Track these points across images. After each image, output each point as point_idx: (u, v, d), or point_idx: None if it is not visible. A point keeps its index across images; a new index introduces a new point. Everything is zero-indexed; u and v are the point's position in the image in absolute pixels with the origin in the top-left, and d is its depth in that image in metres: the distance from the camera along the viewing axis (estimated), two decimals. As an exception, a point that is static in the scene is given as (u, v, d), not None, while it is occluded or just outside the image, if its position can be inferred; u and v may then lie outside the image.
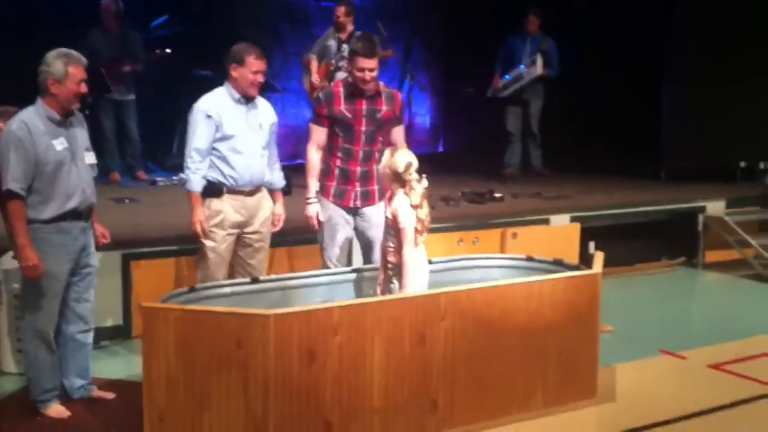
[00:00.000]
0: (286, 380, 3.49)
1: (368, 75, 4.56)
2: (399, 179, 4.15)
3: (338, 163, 4.72)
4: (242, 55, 4.48)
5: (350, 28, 7.46)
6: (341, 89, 4.69)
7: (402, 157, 4.14)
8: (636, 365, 4.97)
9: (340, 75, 7.32)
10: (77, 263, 4.11)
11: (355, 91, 4.64)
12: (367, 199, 4.74)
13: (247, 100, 4.56)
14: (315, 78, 7.53)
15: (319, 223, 4.77)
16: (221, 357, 3.51)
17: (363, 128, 4.66)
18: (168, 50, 7.96)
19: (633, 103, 8.82)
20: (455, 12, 10.44)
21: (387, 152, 4.22)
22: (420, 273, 4.16)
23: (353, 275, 4.52)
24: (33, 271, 3.91)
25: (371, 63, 4.55)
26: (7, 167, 3.87)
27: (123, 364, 4.91)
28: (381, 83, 4.75)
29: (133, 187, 7.50)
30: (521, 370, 4.14)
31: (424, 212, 4.16)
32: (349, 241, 4.91)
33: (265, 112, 4.69)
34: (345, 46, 7.43)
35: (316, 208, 4.74)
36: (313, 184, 4.76)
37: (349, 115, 4.65)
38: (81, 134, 4.16)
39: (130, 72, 7.70)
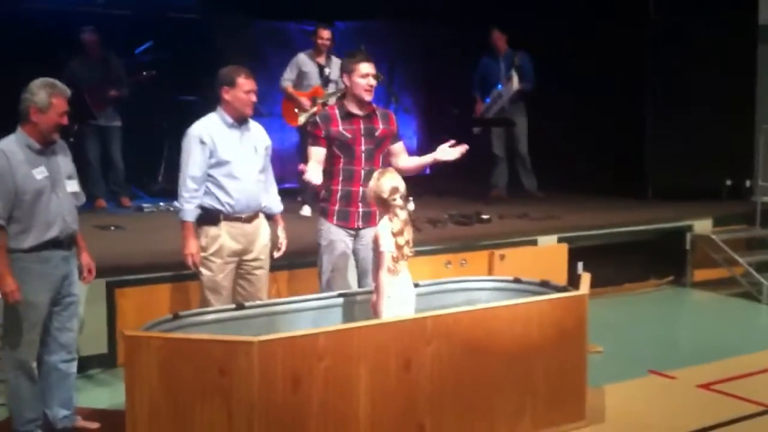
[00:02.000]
0: (271, 407, 3.46)
1: (372, 80, 4.63)
2: (384, 204, 4.14)
3: (340, 185, 4.70)
4: (232, 76, 4.47)
5: (327, 52, 7.48)
6: (337, 111, 4.72)
7: (387, 182, 4.14)
8: (625, 386, 4.95)
9: (331, 101, 7.32)
10: (59, 292, 4.07)
11: (351, 112, 4.67)
12: (368, 220, 4.69)
13: (240, 123, 4.54)
14: (304, 102, 7.48)
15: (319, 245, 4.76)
16: (205, 385, 3.47)
17: (362, 147, 4.66)
18: (153, 72, 7.96)
19: (618, 122, 8.84)
20: (437, 33, 10.49)
21: (375, 175, 4.22)
22: (399, 299, 4.13)
23: (341, 300, 4.48)
24: (11, 297, 3.86)
25: (373, 68, 4.63)
26: None
27: (107, 393, 4.86)
28: (374, 104, 4.79)
29: (118, 214, 7.45)
30: (509, 393, 4.11)
31: (404, 239, 4.13)
32: (348, 266, 4.86)
33: (258, 136, 4.68)
34: (327, 70, 7.44)
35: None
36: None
37: (348, 135, 4.65)
38: (63, 162, 4.13)
39: (116, 96, 7.69)
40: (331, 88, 7.46)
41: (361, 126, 4.66)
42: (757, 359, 5.51)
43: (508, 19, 8.67)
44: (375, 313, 4.14)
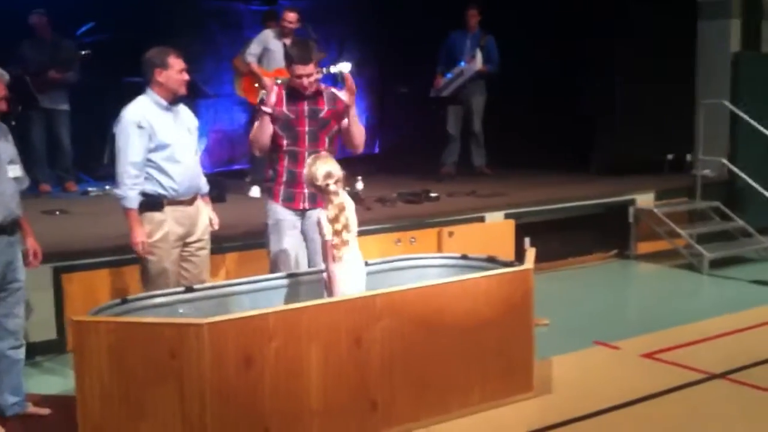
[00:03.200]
0: (223, 388, 3.48)
1: (306, 81, 4.58)
2: (319, 190, 4.16)
3: (285, 165, 4.70)
4: (163, 57, 4.42)
5: (293, 33, 7.44)
6: (283, 91, 4.70)
7: (320, 168, 4.14)
8: (571, 357, 5.07)
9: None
10: (4, 278, 4.02)
11: (296, 93, 4.65)
12: (315, 201, 4.67)
13: (172, 105, 4.50)
14: (268, 83, 7.43)
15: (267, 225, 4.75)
16: (156, 368, 3.48)
17: (306, 128, 4.65)
18: (89, 52, 7.82)
19: (563, 100, 8.98)
20: (387, 12, 10.48)
21: (308, 161, 4.23)
22: (348, 280, 4.17)
23: (290, 280, 4.51)
24: None
25: (308, 69, 4.56)
26: None
27: (58, 379, 4.82)
28: (322, 84, 4.77)
29: (64, 198, 7.35)
30: (459, 367, 4.19)
31: (341, 225, 4.14)
32: (297, 245, 4.88)
33: (187, 117, 4.64)
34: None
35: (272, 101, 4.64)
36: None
37: (291, 115, 4.64)
38: (4, 147, 4.07)
39: (56, 79, 7.56)
40: None
41: (305, 107, 4.65)
42: (698, 328, 5.68)
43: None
44: (328, 293, 4.17)
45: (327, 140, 4.70)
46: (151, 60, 4.44)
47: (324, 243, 4.15)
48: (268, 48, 7.45)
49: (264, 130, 4.64)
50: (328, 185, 4.12)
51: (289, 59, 4.66)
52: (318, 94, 4.70)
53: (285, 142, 4.67)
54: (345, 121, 4.72)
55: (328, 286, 4.19)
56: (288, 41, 7.40)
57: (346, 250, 4.17)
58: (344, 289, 4.14)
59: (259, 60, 7.47)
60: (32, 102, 7.43)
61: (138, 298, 4.14)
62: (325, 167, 4.14)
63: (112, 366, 3.52)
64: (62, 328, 5.15)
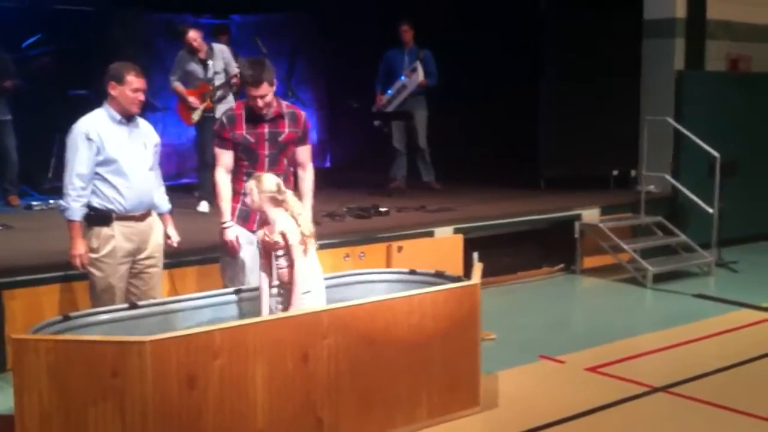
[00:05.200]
0: (166, 407, 3.44)
1: (261, 102, 4.53)
2: (275, 201, 4.18)
3: (243, 187, 4.67)
4: (121, 72, 4.37)
5: (205, 46, 7.40)
6: (243, 112, 4.64)
7: (270, 180, 4.21)
8: (517, 371, 5.11)
9: (226, 103, 7.26)
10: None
11: (256, 115, 4.60)
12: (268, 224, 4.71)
13: (128, 120, 4.46)
14: (193, 101, 7.40)
15: (225, 243, 4.69)
16: (96, 387, 3.42)
17: (266, 152, 4.62)
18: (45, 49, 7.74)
19: (511, 116, 9.11)
20: (336, 27, 10.53)
21: (251, 183, 4.23)
22: (317, 294, 4.22)
23: (238, 296, 4.48)
24: None
25: (260, 90, 4.50)
26: None
27: (-3, 398, 4.71)
28: (285, 103, 4.73)
29: (7, 213, 7.22)
30: (405, 383, 4.20)
31: (305, 218, 4.25)
32: (253, 259, 4.84)
33: (147, 132, 4.59)
34: (210, 62, 7.37)
35: (234, 232, 4.66)
36: (227, 208, 4.66)
37: (251, 139, 4.61)
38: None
39: (10, 88, 7.45)
40: (218, 79, 7.40)
41: (266, 130, 4.62)
42: (642, 341, 5.78)
43: (408, 13, 8.79)
44: (288, 306, 4.17)
45: (285, 163, 4.69)
46: (109, 73, 4.40)
47: (290, 248, 4.15)
48: (186, 69, 7.41)
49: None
50: (284, 193, 4.19)
51: (243, 81, 4.63)
52: (279, 116, 4.65)
53: (245, 164, 4.65)
54: (301, 149, 4.71)
55: (287, 288, 4.18)
56: (203, 55, 7.39)
57: (313, 244, 4.23)
58: (312, 299, 4.15)
59: (185, 82, 7.43)
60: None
61: (81, 315, 4.07)
62: (272, 179, 4.20)
63: (51, 385, 3.45)
64: (2, 346, 5.03)
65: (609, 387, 4.90)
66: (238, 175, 4.67)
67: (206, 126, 7.10)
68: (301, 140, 4.73)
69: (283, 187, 4.20)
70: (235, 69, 7.35)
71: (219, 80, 7.37)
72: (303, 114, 4.78)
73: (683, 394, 4.77)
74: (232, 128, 4.63)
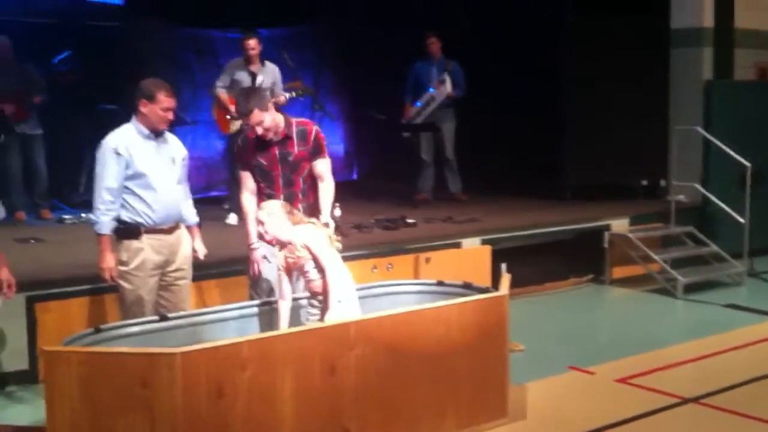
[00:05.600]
0: (194, 419, 3.46)
1: (260, 129, 4.57)
2: (291, 218, 4.23)
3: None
4: (153, 91, 4.42)
5: (257, 58, 7.45)
6: (255, 137, 4.68)
7: (274, 205, 4.30)
8: (546, 383, 5.08)
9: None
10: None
11: (264, 140, 4.64)
12: None
13: (157, 134, 4.51)
14: (234, 111, 7.45)
15: (251, 264, 4.78)
16: (126, 399, 3.45)
17: (279, 172, 4.67)
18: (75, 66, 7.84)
19: (538, 126, 9.05)
20: (361, 39, 10.56)
21: (263, 216, 4.26)
22: (350, 303, 4.24)
23: (265, 308, 4.51)
24: None
25: (254, 119, 4.53)
26: None
27: (29, 410, 4.76)
28: (295, 120, 4.74)
29: (38, 226, 7.31)
30: (432, 394, 4.19)
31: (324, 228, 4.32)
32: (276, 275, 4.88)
33: (175, 147, 4.65)
34: (260, 78, 7.43)
35: (261, 253, 4.74)
36: (254, 230, 4.69)
37: (264, 162, 4.67)
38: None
39: (39, 103, 7.57)
40: None
41: (276, 152, 4.66)
42: (672, 352, 5.72)
43: (432, 25, 8.81)
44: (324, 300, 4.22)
45: (301, 181, 4.71)
46: (141, 89, 4.45)
47: (317, 258, 4.18)
48: (234, 78, 7.45)
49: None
50: (291, 211, 4.25)
51: (238, 113, 4.69)
52: (287, 138, 4.67)
53: (262, 185, 4.72)
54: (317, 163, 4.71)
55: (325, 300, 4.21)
56: (254, 68, 7.44)
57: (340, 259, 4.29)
58: (343, 309, 4.16)
59: (230, 90, 7.48)
60: (9, 132, 7.40)
61: (112, 327, 4.12)
62: (276, 203, 4.32)
63: (82, 397, 3.49)
64: (35, 358, 5.10)
65: (639, 398, 4.85)
66: (260, 196, 4.75)
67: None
68: (315, 155, 4.71)
69: (287, 206, 4.27)
70: (280, 91, 7.42)
71: None
72: (314, 129, 4.75)
73: (714, 405, 4.72)
74: (246, 153, 4.72)
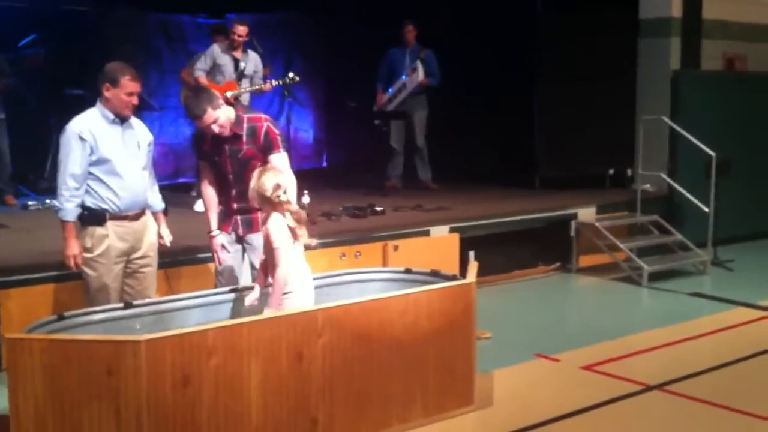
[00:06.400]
0: (160, 406, 3.44)
1: (216, 128, 4.53)
2: (268, 202, 4.16)
3: (220, 198, 4.81)
4: (116, 75, 4.35)
5: (242, 46, 7.43)
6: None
7: (269, 180, 4.14)
8: (512, 370, 5.12)
9: (245, 97, 7.30)
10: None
11: (217, 134, 4.61)
12: (250, 226, 4.75)
13: (122, 120, 4.46)
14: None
15: (212, 251, 4.81)
16: (91, 386, 3.42)
17: (230, 169, 4.67)
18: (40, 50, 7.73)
19: (507, 115, 9.11)
20: (334, 26, 10.52)
21: (255, 174, 4.20)
22: (301, 293, 4.20)
23: (231, 295, 4.49)
24: None
25: (206, 120, 4.49)
26: None
27: (-8, 398, 4.71)
28: (246, 117, 4.66)
29: (2, 212, 7.21)
30: (400, 382, 4.20)
31: (301, 231, 4.21)
32: (237, 263, 4.87)
33: (141, 132, 4.60)
34: (243, 64, 7.38)
35: (220, 240, 4.77)
36: (213, 218, 4.78)
37: (215, 157, 4.68)
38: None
39: (2, 88, 7.44)
40: (245, 83, 7.40)
41: (227, 148, 4.64)
42: (637, 340, 5.78)
43: (408, 13, 8.80)
44: (274, 307, 4.15)
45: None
46: (104, 73, 4.39)
47: (274, 251, 4.14)
48: (217, 63, 7.40)
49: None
50: (278, 196, 4.13)
51: (190, 116, 4.62)
52: (236, 136, 4.62)
53: (218, 179, 4.75)
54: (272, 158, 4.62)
55: (271, 296, 4.17)
56: (237, 54, 7.40)
57: (302, 256, 4.23)
58: (294, 299, 4.15)
59: (209, 74, 7.42)
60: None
61: (76, 315, 4.07)
62: (273, 179, 4.15)
63: (46, 385, 3.45)
64: (-2, 346, 5.04)
65: (604, 385, 4.90)
66: (217, 186, 4.78)
67: None
68: (267, 150, 4.62)
69: (281, 192, 4.13)
70: (260, 80, 7.39)
71: (245, 84, 7.37)
72: (264, 125, 4.63)
73: (678, 393, 4.78)
74: (201, 144, 4.72)
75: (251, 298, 4.25)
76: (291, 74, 7.43)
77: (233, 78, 7.36)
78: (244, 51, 7.43)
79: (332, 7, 10.37)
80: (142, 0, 9.21)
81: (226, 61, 7.37)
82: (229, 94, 7.17)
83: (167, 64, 9.36)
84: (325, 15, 10.63)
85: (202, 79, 7.39)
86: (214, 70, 7.40)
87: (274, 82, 7.36)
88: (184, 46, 9.41)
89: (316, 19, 10.79)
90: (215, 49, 7.45)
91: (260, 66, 7.52)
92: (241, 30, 7.33)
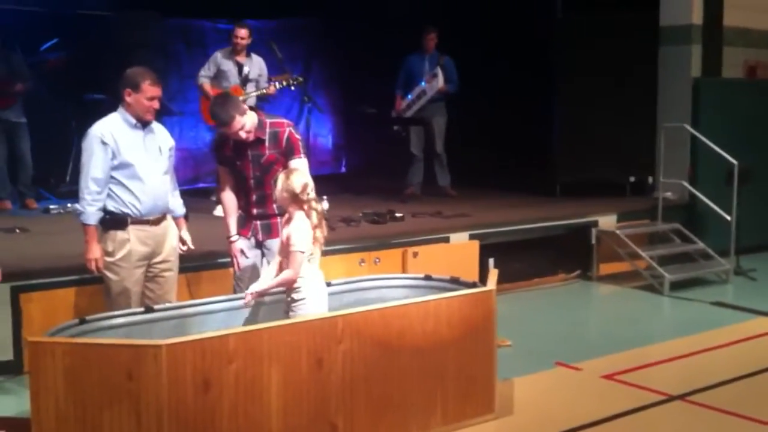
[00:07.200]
0: (181, 411, 3.44)
1: (243, 134, 4.53)
2: (297, 200, 4.17)
3: (240, 203, 4.80)
4: (137, 80, 4.38)
5: (244, 50, 7.42)
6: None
7: (298, 179, 4.17)
8: (533, 378, 5.08)
9: (251, 101, 7.30)
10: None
11: (240, 139, 4.61)
12: (270, 232, 4.74)
13: (144, 124, 4.48)
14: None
15: (231, 257, 4.80)
16: (112, 390, 3.43)
17: (251, 173, 4.66)
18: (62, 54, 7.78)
19: (527, 123, 9.09)
20: (353, 32, 10.53)
21: (282, 175, 4.22)
22: (315, 300, 4.20)
23: (253, 300, 4.47)
24: None
25: (233, 128, 4.49)
26: None
27: (14, 401, 4.73)
28: (269, 121, 4.66)
29: (24, 216, 7.25)
30: (420, 389, 4.18)
31: (321, 233, 4.21)
32: (255, 269, 4.87)
33: (162, 137, 4.62)
34: (247, 69, 7.39)
35: (239, 245, 4.77)
36: (232, 223, 4.77)
37: (237, 162, 4.67)
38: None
39: (22, 90, 7.50)
40: (250, 87, 7.40)
41: (249, 153, 4.63)
42: (659, 349, 5.73)
43: (426, 20, 8.80)
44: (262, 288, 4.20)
45: (273, 183, 4.61)
46: (126, 78, 4.41)
47: (291, 253, 4.13)
48: (221, 69, 7.40)
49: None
50: (308, 194, 4.16)
51: (217, 123, 4.62)
52: (259, 140, 4.62)
53: (237, 184, 4.74)
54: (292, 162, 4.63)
55: (269, 282, 4.19)
56: (241, 59, 7.40)
57: (317, 262, 4.21)
58: (308, 305, 4.16)
59: (214, 83, 7.42)
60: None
61: (97, 319, 4.08)
62: (301, 179, 4.18)
63: (68, 388, 3.46)
64: (19, 349, 5.06)
65: (625, 395, 4.86)
66: (236, 191, 4.77)
67: None
68: (288, 155, 4.64)
69: (310, 191, 4.18)
70: (265, 83, 7.39)
71: (251, 88, 7.38)
72: (287, 130, 4.64)
73: (700, 403, 4.73)
74: (221, 149, 4.71)
75: (253, 288, 4.24)
76: (295, 75, 7.43)
77: (237, 83, 7.36)
78: (248, 55, 7.42)
79: (351, 13, 10.38)
80: (163, 5, 9.25)
81: (229, 66, 7.37)
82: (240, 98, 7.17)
83: (187, 70, 9.38)
84: (344, 21, 10.64)
85: (206, 86, 7.41)
86: (219, 76, 7.40)
87: (278, 84, 7.36)
88: (204, 51, 9.43)
89: (335, 26, 10.80)
90: (218, 55, 7.45)
91: (265, 69, 7.50)
92: (243, 33, 7.31)
